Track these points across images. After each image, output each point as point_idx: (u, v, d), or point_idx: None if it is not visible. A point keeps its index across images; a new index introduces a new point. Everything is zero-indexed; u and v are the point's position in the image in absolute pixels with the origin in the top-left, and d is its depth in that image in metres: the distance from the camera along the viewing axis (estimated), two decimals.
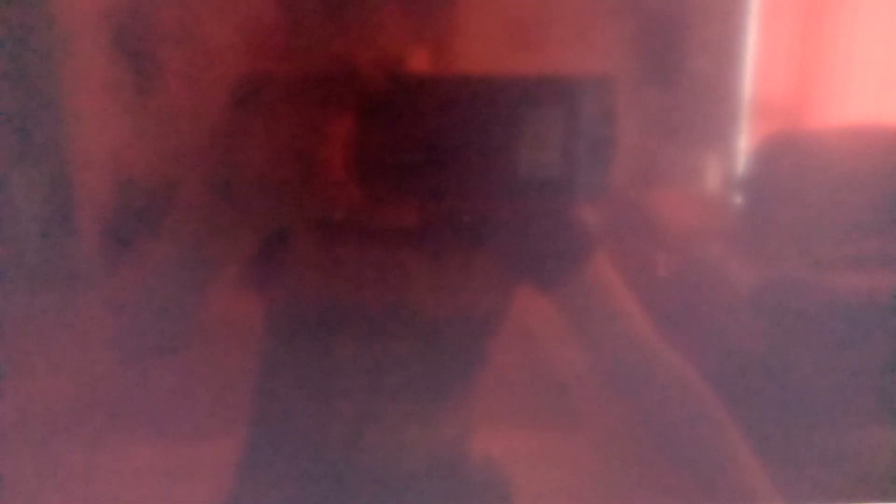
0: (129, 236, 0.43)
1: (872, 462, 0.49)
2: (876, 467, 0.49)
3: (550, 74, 0.42)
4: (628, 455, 0.48)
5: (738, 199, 0.46)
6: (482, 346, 0.46)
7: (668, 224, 0.45)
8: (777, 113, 0.45)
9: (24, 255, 0.44)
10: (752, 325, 0.47)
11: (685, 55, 0.43)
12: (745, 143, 0.45)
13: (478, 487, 0.48)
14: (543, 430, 0.48)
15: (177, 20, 0.41)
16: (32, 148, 0.42)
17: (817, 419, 0.48)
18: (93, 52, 0.41)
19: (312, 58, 0.41)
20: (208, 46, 0.41)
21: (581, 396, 0.47)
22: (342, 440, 0.47)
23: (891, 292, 0.47)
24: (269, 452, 0.47)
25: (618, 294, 0.45)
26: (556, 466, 0.48)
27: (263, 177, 0.43)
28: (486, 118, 0.41)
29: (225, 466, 0.47)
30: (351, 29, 0.41)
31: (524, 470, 0.48)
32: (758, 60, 0.44)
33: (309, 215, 0.43)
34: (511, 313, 0.45)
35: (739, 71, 0.44)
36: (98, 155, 0.42)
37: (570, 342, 0.46)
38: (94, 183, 0.43)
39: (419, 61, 0.42)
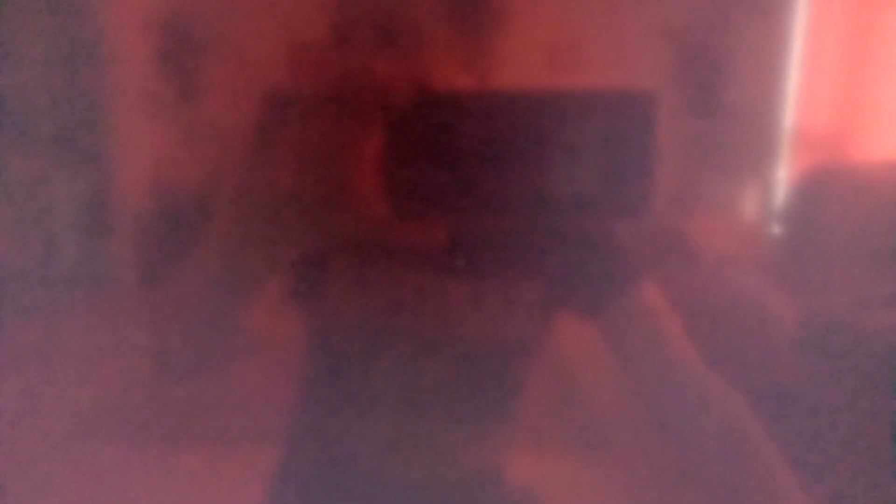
0: (166, 247, 0.43)
1: None
2: None
3: (589, 94, 0.41)
4: (668, 487, 0.46)
5: (779, 232, 0.45)
6: (520, 370, 0.45)
7: (706, 252, 0.45)
8: (819, 145, 0.44)
9: (62, 262, 0.44)
10: (792, 360, 0.45)
11: (727, 83, 0.43)
12: (786, 175, 0.44)
13: None
14: (580, 457, 0.47)
15: (218, 34, 0.41)
16: (74, 156, 0.43)
17: (860, 459, 0.46)
18: (135, 63, 0.42)
19: (349, 74, 0.41)
20: (247, 60, 0.41)
21: (620, 424, 0.46)
22: (376, 461, 0.46)
23: None
24: (302, 470, 0.46)
25: (663, 321, 0.44)
26: (593, 495, 0.46)
27: (296, 192, 0.43)
28: (527, 138, 0.41)
29: (257, 479, 0.46)
30: (386, 47, 0.41)
31: (560, 497, 0.46)
32: (800, 91, 0.43)
33: (343, 233, 0.43)
34: (550, 337, 0.45)
35: (781, 101, 0.43)
36: (137, 164, 0.43)
37: (611, 369, 0.45)
38: (132, 192, 0.43)
39: (456, 80, 0.41)
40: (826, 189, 0.45)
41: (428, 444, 0.46)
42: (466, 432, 0.46)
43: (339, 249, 0.43)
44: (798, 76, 0.43)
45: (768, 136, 0.44)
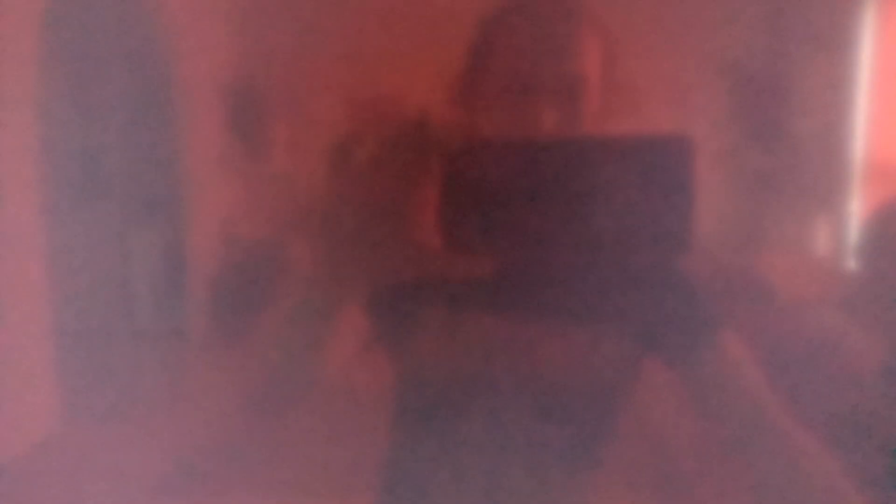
0: (241, 299, 0.44)
1: None
2: None
3: (640, 140, 0.41)
4: None
5: (856, 267, 0.43)
6: (606, 419, 0.45)
7: (783, 293, 0.43)
8: (892, 175, 0.43)
9: (139, 315, 0.46)
10: (879, 400, 0.43)
11: (793, 115, 0.42)
12: (859, 208, 0.43)
13: None
14: None
15: (281, 93, 0.43)
16: (151, 213, 0.45)
17: None
18: (206, 125, 0.44)
19: (406, 126, 0.42)
20: (310, 116, 0.43)
21: (705, 476, 0.44)
22: None
23: None
24: None
25: (745, 370, 0.43)
26: None
27: (361, 238, 0.43)
28: (581, 185, 0.41)
29: None
30: (438, 99, 0.42)
31: None
32: (871, 120, 0.42)
33: (410, 277, 0.44)
34: (635, 387, 0.44)
35: (852, 131, 0.42)
36: (210, 220, 0.44)
37: (694, 418, 0.44)
38: (207, 247, 0.45)
39: (530, 125, 0.42)
40: None
41: (522, 492, 0.45)
42: (558, 480, 0.45)
43: (412, 296, 0.44)
44: (868, 105, 0.42)
45: (840, 168, 0.43)
